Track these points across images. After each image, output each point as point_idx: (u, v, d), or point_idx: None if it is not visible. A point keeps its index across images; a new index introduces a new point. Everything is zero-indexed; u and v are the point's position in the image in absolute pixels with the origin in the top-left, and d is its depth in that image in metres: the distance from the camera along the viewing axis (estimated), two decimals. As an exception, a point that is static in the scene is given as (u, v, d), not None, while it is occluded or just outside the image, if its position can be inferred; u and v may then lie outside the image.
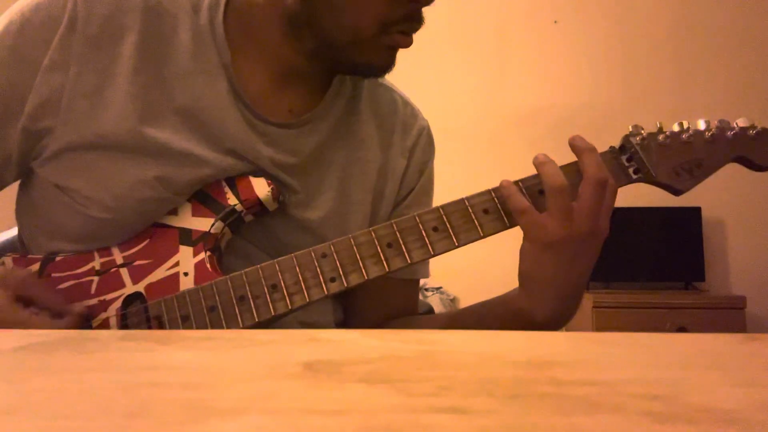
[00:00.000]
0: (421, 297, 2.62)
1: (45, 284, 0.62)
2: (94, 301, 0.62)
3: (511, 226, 0.63)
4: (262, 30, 0.67)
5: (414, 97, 0.81)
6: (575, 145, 0.63)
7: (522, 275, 0.64)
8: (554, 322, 0.64)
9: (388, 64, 0.67)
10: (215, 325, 0.59)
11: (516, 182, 0.63)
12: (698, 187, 0.67)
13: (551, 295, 0.62)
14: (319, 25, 0.63)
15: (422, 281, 2.47)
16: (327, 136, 0.71)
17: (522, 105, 3.00)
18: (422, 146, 0.79)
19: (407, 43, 0.65)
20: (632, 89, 2.97)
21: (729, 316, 2.50)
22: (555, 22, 3.04)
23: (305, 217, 0.69)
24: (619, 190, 0.66)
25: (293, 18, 0.64)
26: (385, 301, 0.77)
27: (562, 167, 0.62)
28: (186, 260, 0.63)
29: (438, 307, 2.41)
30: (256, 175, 0.66)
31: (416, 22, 0.64)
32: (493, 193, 0.63)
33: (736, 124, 0.68)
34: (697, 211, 2.81)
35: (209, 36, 0.66)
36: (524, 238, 0.62)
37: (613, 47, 3.01)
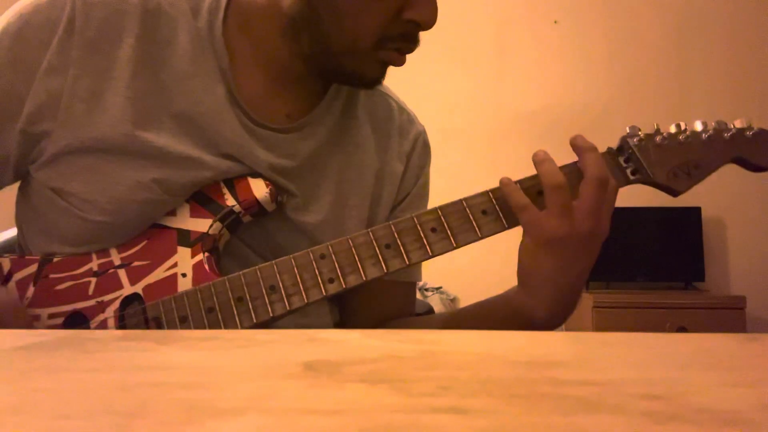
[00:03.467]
0: (420, 297, 2.63)
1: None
2: (91, 303, 0.61)
3: (510, 227, 0.63)
4: (261, 32, 0.66)
5: (414, 97, 0.81)
6: (576, 145, 0.63)
7: (521, 272, 0.64)
8: (553, 320, 0.64)
9: (378, 78, 0.67)
10: (213, 326, 0.59)
11: (515, 182, 0.64)
12: (698, 187, 0.67)
13: (549, 293, 0.63)
14: (319, 29, 0.63)
15: (422, 281, 2.47)
16: (324, 140, 0.71)
17: (521, 105, 3.00)
18: (419, 152, 0.79)
19: (400, 62, 0.66)
20: (632, 89, 2.97)
21: (729, 316, 2.50)
22: (555, 22, 3.04)
23: (303, 220, 0.69)
24: (619, 190, 0.66)
25: (293, 20, 0.63)
26: (383, 302, 0.77)
27: (562, 167, 0.63)
28: (184, 261, 0.63)
29: (438, 307, 2.41)
30: (254, 176, 0.66)
31: (412, 43, 0.65)
32: (491, 194, 0.64)
33: (734, 125, 0.68)
34: (697, 211, 2.81)
35: (208, 40, 0.66)
36: (524, 235, 0.63)
37: (613, 47, 3.01)
